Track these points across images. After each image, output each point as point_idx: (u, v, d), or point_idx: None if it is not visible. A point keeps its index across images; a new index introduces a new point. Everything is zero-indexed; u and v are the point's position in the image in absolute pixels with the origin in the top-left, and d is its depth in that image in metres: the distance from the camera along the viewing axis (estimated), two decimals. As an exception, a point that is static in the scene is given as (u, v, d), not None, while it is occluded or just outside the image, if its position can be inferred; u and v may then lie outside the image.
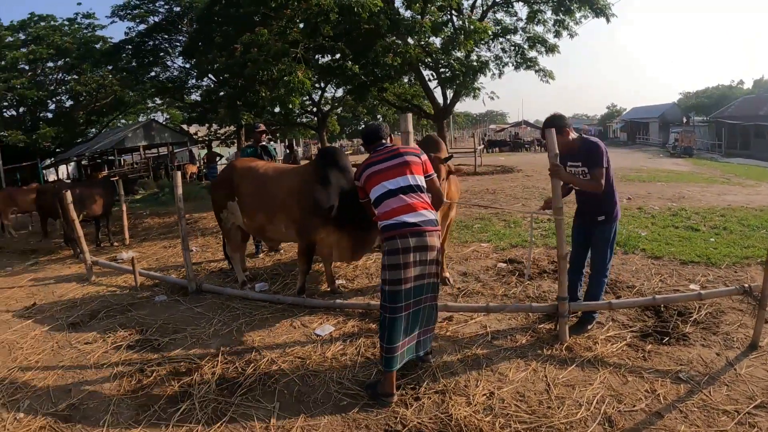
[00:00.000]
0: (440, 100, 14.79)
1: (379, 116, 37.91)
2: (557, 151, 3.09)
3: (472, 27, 9.27)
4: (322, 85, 16.62)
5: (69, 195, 5.66)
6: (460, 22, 9.51)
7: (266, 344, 3.58)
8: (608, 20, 11.46)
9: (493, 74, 12.79)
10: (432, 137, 4.55)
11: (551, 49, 11.87)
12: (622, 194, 9.10)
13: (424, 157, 2.96)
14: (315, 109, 18.24)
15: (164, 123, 26.84)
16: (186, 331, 3.95)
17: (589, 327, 3.45)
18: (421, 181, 2.84)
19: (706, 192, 9.47)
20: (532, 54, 12.15)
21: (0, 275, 6.52)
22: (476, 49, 13.24)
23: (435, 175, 3.04)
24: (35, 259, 7.33)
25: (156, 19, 15.01)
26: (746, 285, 3.27)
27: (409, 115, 3.43)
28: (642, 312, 3.69)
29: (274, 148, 6.16)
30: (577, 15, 11.44)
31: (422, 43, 11.08)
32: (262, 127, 5.82)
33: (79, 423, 2.75)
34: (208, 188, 9.04)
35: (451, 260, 5.35)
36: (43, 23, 17.85)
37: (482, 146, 22.02)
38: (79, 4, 27.63)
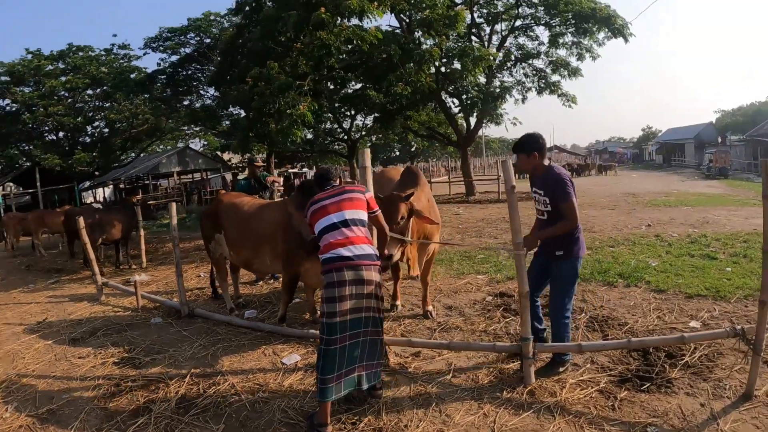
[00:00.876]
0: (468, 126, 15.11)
1: (413, 143, 38.55)
2: (514, 184, 3.15)
3: (478, 54, 9.50)
4: (353, 112, 17.24)
5: (82, 220, 6.21)
6: (477, 48, 9.77)
7: (233, 369, 3.82)
8: (626, 40, 11.63)
9: (516, 100, 12.99)
10: (411, 170, 4.69)
11: (574, 72, 11.98)
12: (643, 220, 8.93)
13: (369, 194, 3.17)
14: (345, 137, 18.89)
15: (200, 150, 28.49)
16: (168, 353, 4.28)
17: (560, 369, 3.34)
18: (362, 216, 3.02)
19: (734, 216, 9.08)
20: (555, 78, 12.26)
21: (23, 291, 7.29)
22: (498, 75, 13.55)
23: (380, 211, 3.21)
24: (57, 277, 8.07)
25: (187, 50, 16.23)
26: (738, 326, 3.04)
27: (367, 151, 3.59)
28: (627, 353, 3.54)
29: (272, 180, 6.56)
30: (600, 36, 11.53)
31: (446, 70, 11.43)
32: (259, 162, 6.28)
33: (52, 425, 3.16)
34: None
35: (440, 293, 5.43)
36: (81, 53, 19.74)
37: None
38: (115, 35, 30.83)
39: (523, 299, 3.18)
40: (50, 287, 7.42)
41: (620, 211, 10.68)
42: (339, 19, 7.22)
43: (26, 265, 9.96)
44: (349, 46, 8.01)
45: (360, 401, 3.11)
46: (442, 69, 10.99)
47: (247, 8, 10.53)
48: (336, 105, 15.24)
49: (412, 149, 47.05)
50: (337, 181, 3.41)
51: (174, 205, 5.51)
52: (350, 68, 12.03)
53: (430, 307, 4.75)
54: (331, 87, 13.31)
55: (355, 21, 7.77)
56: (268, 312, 5.30)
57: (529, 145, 3.26)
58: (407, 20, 10.94)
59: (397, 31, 11.60)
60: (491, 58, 9.85)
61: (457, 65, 10.65)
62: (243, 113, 16.53)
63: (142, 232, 9.14)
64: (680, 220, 8.80)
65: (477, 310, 4.80)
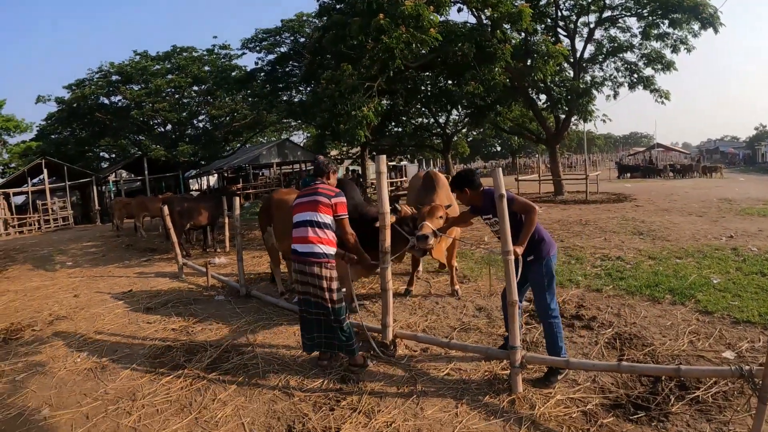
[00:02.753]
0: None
1: (512, 141, 37.70)
2: (503, 192, 3.26)
3: (546, 49, 9.26)
4: (440, 108, 17.52)
5: (166, 208, 7.42)
6: (544, 47, 9.52)
7: (263, 343, 4.51)
8: (716, 31, 10.52)
9: (608, 96, 12.36)
10: (429, 175, 5.38)
11: (668, 66, 11.13)
12: (727, 230, 8.22)
13: (337, 200, 3.71)
14: (441, 132, 19.30)
15: (302, 142, 30.71)
16: (218, 325, 5.15)
17: (559, 377, 3.42)
18: (324, 218, 3.67)
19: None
20: (648, 72, 11.48)
21: (118, 266, 8.89)
22: (589, 70, 12.91)
23: (345, 216, 3.77)
24: (150, 256, 9.62)
25: (283, 49, 17.65)
26: (746, 367, 2.76)
27: (383, 157, 3.94)
28: (637, 377, 3.45)
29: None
30: (695, 27, 10.59)
31: (520, 66, 11.27)
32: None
33: (109, 370, 4.18)
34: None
35: (477, 294, 5.64)
36: (185, 54, 22.28)
37: (599, 173, 20.62)
38: (215, 37, 34.55)
39: (511, 307, 3.30)
40: (142, 264, 8.99)
41: (707, 218, 9.75)
42: (399, 21, 7.60)
43: (127, 244, 11.98)
44: (413, 47, 8.30)
45: (354, 382, 3.58)
46: (518, 65, 10.84)
47: (328, 13, 11.34)
48: (432, 101, 15.71)
49: (514, 145, 45.87)
50: (330, 176, 3.98)
51: (238, 199, 6.38)
52: (428, 66, 12.33)
53: (456, 287, 5.64)
54: (409, 86, 13.72)
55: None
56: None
57: (460, 183, 3.62)
58: (486, 17, 10.96)
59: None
60: (562, 54, 9.52)
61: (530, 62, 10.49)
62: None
63: (226, 220, 10.38)
64: (769, 233, 7.86)
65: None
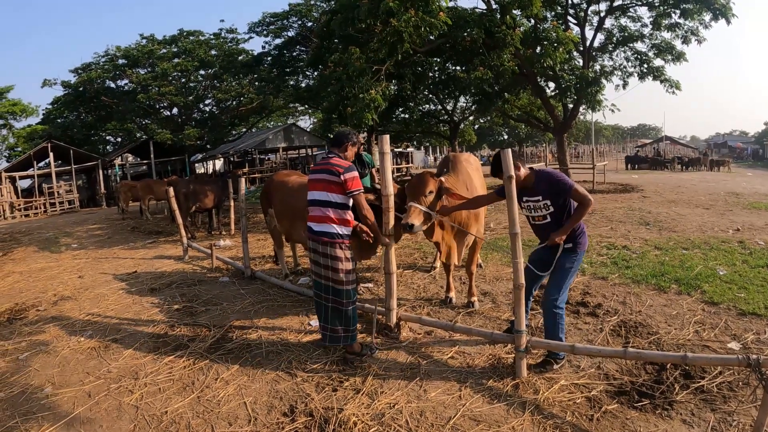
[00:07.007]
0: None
1: (519, 129, 37.28)
2: (511, 174, 3.16)
3: (556, 35, 9.08)
4: (449, 94, 17.30)
5: (171, 190, 7.38)
6: (554, 34, 9.33)
7: (266, 325, 4.48)
8: (728, 22, 10.35)
9: (617, 86, 12.19)
10: (447, 157, 4.98)
11: (678, 57, 10.90)
12: (734, 223, 8.10)
13: (348, 175, 3.47)
14: (449, 118, 19.12)
15: (307, 128, 30.57)
16: (221, 305, 5.13)
17: (555, 367, 3.37)
18: (335, 198, 3.52)
19: None
20: (658, 62, 11.25)
21: (123, 248, 8.89)
22: (599, 59, 12.68)
23: (359, 191, 3.53)
24: (155, 238, 9.60)
25: (290, 33, 17.45)
26: (753, 356, 2.68)
27: (386, 137, 3.82)
28: (642, 365, 3.40)
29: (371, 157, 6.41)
30: (706, 18, 10.38)
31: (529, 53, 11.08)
32: (360, 140, 6.42)
33: (112, 349, 4.16)
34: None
35: (483, 279, 5.56)
36: (192, 38, 22.04)
37: (605, 163, 20.43)
38: (222, 21, 34.18)
39: (517, 291, 3.22)
40: (147, 246, 8.99)
41: (714, 211, 9.62)
42: (408, 4, 7.45)
43: (132, 227, 12.01)
44: (421, 31, 8.14)
45: (354, 368, 3.54)
46: (527, 52, 10.66)
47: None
48: (440, 87, 15.49)
49: (521, 134, 45.46)
50: (348, 148, 3.74)
51: (243, 180, 6.32)
52: (436, 52, 12.15)
53: (474, 298, 4.75)
54: (418, 71, 13.55)
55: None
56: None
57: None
58: (496, 2, 10.76)
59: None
60: (572, 41, 9.34)
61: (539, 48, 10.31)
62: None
63: (232, 203, 10.36)
64: (777, 227, 7.75)
65: (510, 299, 4.81)
